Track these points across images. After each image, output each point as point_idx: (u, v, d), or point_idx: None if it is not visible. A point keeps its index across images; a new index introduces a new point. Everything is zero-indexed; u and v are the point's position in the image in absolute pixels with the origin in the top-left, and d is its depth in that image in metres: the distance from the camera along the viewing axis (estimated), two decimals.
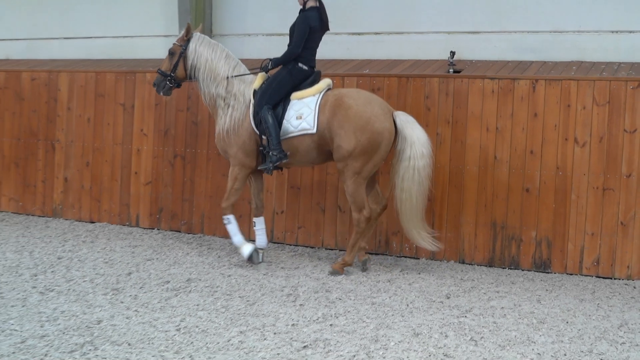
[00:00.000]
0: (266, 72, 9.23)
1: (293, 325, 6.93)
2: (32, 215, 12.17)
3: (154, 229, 11.25)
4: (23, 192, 12.30)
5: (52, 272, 8.66)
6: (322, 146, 8.97)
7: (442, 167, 9.71)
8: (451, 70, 9.86)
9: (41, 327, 6.65)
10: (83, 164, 11.79)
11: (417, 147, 8.70)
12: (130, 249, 9.96)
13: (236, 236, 9.26)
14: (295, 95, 9.08)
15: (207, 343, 6.38)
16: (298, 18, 9.07)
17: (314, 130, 8.87)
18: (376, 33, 10.89)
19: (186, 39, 9.41)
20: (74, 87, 11.88)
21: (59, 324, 6.73)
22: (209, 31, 11.68)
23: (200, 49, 9.35)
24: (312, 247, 10.26)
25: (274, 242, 10.50)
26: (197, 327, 6.79)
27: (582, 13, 9.93)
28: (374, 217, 9.18)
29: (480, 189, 9.58)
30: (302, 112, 8.95)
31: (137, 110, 11.41)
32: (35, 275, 8.46)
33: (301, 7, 9.16)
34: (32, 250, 9.69)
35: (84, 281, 8.28)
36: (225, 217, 9.29)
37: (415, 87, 9.86)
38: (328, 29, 9.27)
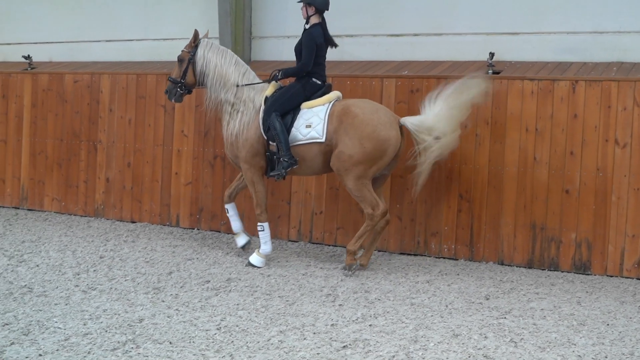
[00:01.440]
0: (276, 82, 9.32)
1: (332, 325, 6.92)
2: (75, 215, 12.28)
3: (194, 229, 11.30)
4: (66, 192, 12.41)
5: (95, 271, 8.73)
6: (328, 155, 9.03)
7: (482, 168, 9.65)
8: (490, 71, 9.79)
9: (84, 325, 6.71)
10: (124, 164, 11.88)
11: (438, 128, 8.80)
12: (171, 248, 10.02)
13: (266, 244, 9.28)
14: (305, 104, 9.17)
15: (247, 342, 6.39)
16: (303, 36, 9.13)
17: (323, 139, 8.95)
18: (415, 34, 10.85)
19: (194, 45, 9.49)
20: (115, 89, 11.97)
21: (102, 322, 6.78)
22: (248, 33, 11.72)
23: (209, 55, 9.43)
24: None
25: (313, 243, 10.49)
26: (237, 326, 6.80)
27: (623, 13, 9.80)
28: (377, 231, 9.18)
29: (519, 190, 9.50)
30: (312, 121, 9.03)
31: (178, 112, 11.47)
32: (78, 274, 8.54)
33: (304, 19, 9.22)
34: (74, 250, 9.78)
35: (125, 280, 8.34)
36: (260, 224, 9.35)
37: None
38: (332, 44, 9.34)
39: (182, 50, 9.56)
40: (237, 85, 9.33)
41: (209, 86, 9.44)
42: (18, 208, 12.79)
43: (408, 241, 9.99)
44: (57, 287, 7.95)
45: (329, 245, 10.36)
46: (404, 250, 10.04)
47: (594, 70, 9.51)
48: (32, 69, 12.96)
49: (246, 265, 9.18)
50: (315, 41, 9.03)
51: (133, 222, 11.78)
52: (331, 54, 11.20)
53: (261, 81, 9.44)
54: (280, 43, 11.62)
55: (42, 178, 12.63)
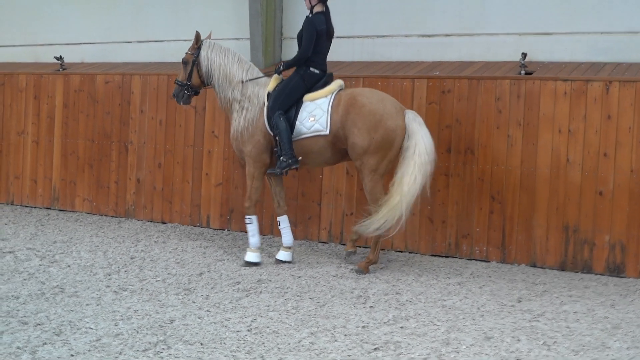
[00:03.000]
0: (279, 74, 9.39)
1: (364, 327, 6.90)
2: (106, 216, 12.35)
3: (224, 230, 11.32)
4: (97, 192, 12.49)
5: (126, 271, 8.77)
6: (337, 145, 9.08)
7: (514, 170, 9.59)
8: (523, 72, 9.73)
9: (115, 325, 6.73)
10: (155, 165, 11.93)
11: (420, 145, 8.71)
12: (202, 249, 10.04)
13: (253, 237, 9.34)
14: (307, 96, 9.22)
15: (278, 344, 6.39)
16: (305, 23, 9.18)
17: (327, 132, 9.01)
18: (446, 35, 10.80)
19: (197, 47, 9.60)
20: (146, 90, 12.03)
21: (133, 323, 6.81)
22: (279, 34, 11.73)
23: (212, 56, 9.53)
24: (381, 250, 10.18)
25: (344, 244, 10.46)
26: (268, 327, 6.80)
27: None
28: None
29: (552, 192, 9.43)
30: (315, 114, 9.08)
31: (208, 113, 11.50)
32: (109, 275, 8.58)
33: (308, 10, 9.25)
34: (105, 250, 9.83)
35: (156, 281, 8.37)
36: (247, 217, 9.39)
37: (486, 89, 9.75)
38: (332, 35, 9.38)
39: (186, 53, 9.69)
40: (242, 82, 9.41)
41: (217, 86, 9.57)
42: (50, 208, 12.89)
43: (439, 243, 9.95)
44: (88, 288, 8.00)
45: (360, 247, 10.32)
46: (435, 252, 10.00)
47: (628, 71, 9.42)
48: (63, 69, 13.06)
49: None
50: (316, 28, 9.08)
51: (164, 222, 11.83)
52: (362, 55, 11.25)
53: (262, 75, 9.54)
54: None
55: (73, 178, 12.71)
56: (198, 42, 9.60)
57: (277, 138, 9.12)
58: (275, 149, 9.21)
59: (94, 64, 13.37)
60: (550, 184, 9.44)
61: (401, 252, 10.17)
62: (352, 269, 9.09)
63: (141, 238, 10.68)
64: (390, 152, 8.88)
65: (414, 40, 10.99)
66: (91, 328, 6.63)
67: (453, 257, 9.93)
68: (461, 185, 9.82)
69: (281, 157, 9.04)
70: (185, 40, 12.25)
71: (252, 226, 9.38)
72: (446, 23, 10.78)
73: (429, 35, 10.93)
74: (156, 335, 6.51)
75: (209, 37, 9.74)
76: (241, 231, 11.18)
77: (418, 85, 10.14)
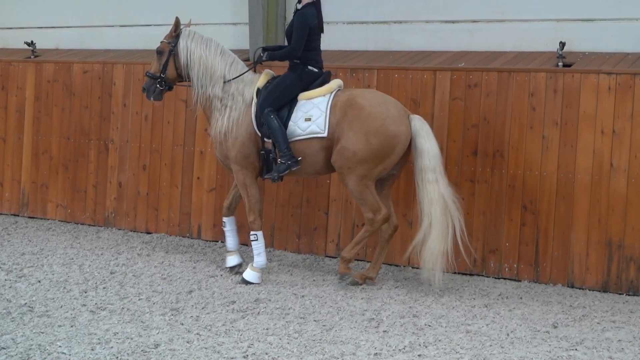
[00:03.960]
0: (261, 63, 9.50)
1: (376, 354, 6.90)
2: (82, 224, 12.37)
3: (217, 241, 11.32)
4: (72, 197, 12.50)
5: (104, 288, 8.78)
6: (331, 152, 9.14)
7: (549, 176, 9.58)
8: (560, 63, 9.73)
9: (92, 350, 6.75)
10: (139, 167, 11.94)
11: (425, 160, 8.93)
12: (192, 263, 10.05)
13: (259, 256, 9.38)
14: (303, 95, 9.31)
15: None
16: (295, 17, 9.27)
17: (325, 134, 9.09)
18: (473, 21, 10.80)
19: (175, 35, 9.63)
20: (130, 81, 12.03)
21: (112, 347, 6.82)
22: (282, 18, 11.73)
23: (192, 46, 9.56)
24: (396, 266, 10.20)
25: (355, 260, 10.45)
26: (266, 354, 6.80)
27: None
28: (385, 239, 9.36)
29: (593, 202, 9.42)
30: (312, 114, 9.16)
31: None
32: (86, 292, 8.59)
33: (297, 2, 9.37)
34: (81, 264, 9.85)
35: (139, 299, 8.39)
36: (252, 232, 9.46)
37: (519, 83, 9.75)
38: (322, 30, 9.48)
39: (162, 42, 9.73)
40: (225, 82, 9.47)
41: (195, 80, 9.60)
42: (18, 215, 12.92)
43: (463, 259, 9.93)
44: (61, 307, 8.01)
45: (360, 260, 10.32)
46: (458, 270, 9.98)
47: None
48: (35, 57, 13.09)
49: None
50: (309, 23, 9.16)
51: (148, 232, 11.84)
52: (377, 43, 11.25)
53: (248, 69, 9.59)
54: None
55: (45, 181, 12.73)
56: (177, 30, 9.63)
57: (265, 139, 9.18)
58: (262, 152, 9.28)
59: (70, 50, 13.40)
60: (591, 192, 9.43)
61: (419, 268, 10.15)
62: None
63: (122, 250, 10.70)
64: (389, 159, 9.01)
65: (436, 26, 10.99)
66: (64, 353, 6.64)
67: (479, 275, 9.92)
68: (489, 193, 9.81)
69: (279, 160, 9.08)
70: None
71: (258, 243, 9.40)
72: (473, 7, 10.79)
73: (453, 21, 10.93)
74: None
75: (189, 24, 9.76)
76: (241, 244, 11.16)
77: (440, 78, 10.14)
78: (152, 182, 11.87)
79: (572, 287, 9.50)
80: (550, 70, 9.67)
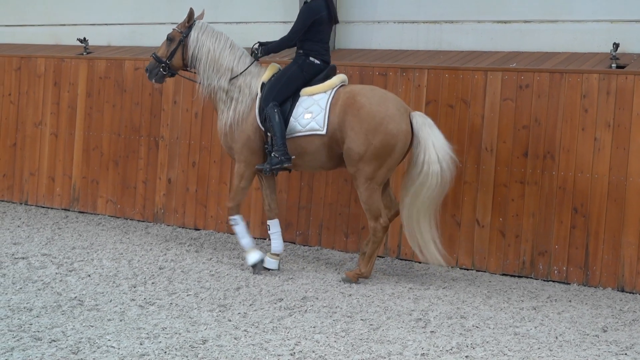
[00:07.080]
0: (256, 59, 9.60)
1: (423, 354, 6.87)
2: (131, 220, 12.45)
3: (265, 239, 11.34)
4: (122, 193, 12.60)
5: (153, 283, 8.83)
6: (333, 149, 9.22)
7: (600, 178, 9.49)
8: (614, 65, 9.64)
9: (140, 344, 6.78)
10: (189, 164, 12.00)
11: (431, 152, 8.92)
12: (239, 260, 10.08)
13: (244, 239, 9.58)
14: (305, 91, 9.36)
15: None
16: (301, 8, 9.38)
17: (324, 131, 9.14)
18: (525, 21, 10.74)
19: (187, 26, 9.73)
20: (180, 79, 12.06)
21: (160, 342, 6.85)
22: None
23: (203, 38, 9.68)
24: (444, 266, 10.16)
25: (401, 259, 10.45)
26: (313, 352, 6.80)
27: None
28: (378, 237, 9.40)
29: None
30: (312, 110, 9.22)
31: None
32: (134, 287, 8.65)
33: None
34: (130, 259, 9.92)
35: (187, 295, 8.42)
36: (231, 217, 9.64)
37: (571, 84, 9.68)
38: (337, 22, 9.65)
39: (174, 29, 9.84)
40: (232, 75, 9.55)
41: (201, 72, 9.71)
42: (68, 210, 13.04)
43: (512, 261, 9.88)
44: (110, 301, 8.07)
45: (420, 263, 10.27)
46: (506, 271, 9.93)
47: None
48: (87, 53, 13.20)
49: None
50: (312, 16, 9.24)
51: (197, 229, 11.90)
52: (428, 43, 11.22)
53: (253, 60, 9.66)
54: (370, 29, 11.61)
55: (96, 177, 12.84)
56: (190, 21, 9.74)
57: (268, 133, 9.24)
58: (266, 146, 9.35)
59: (121, 47, 13.49)
60: None
61: (467, 269, 10.12)
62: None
63: (171, 246, 10.76)
64: (390, 159, 9.04)
65: (488, 26, 10.93)
66: (113, 347, 6.68)
67: (527, 277, 9.86)
68: (539, 194, 9.74)
69: (272, 153, 9.16)
70: (226, 22, 12.35)
71: (240, 227, 9.63)
72: (525, 7, 10.72)
73: (505, 22, 10.88)
74: (186, 356, 6.55)
75: (201, 16, 9.87)
76: (285, 241, 11.15)
77: (491, 79, 10.09)
78: (201, 179, 11.93)
79: (622, 291, 9.41)
80: (603, 72, 9.58)
